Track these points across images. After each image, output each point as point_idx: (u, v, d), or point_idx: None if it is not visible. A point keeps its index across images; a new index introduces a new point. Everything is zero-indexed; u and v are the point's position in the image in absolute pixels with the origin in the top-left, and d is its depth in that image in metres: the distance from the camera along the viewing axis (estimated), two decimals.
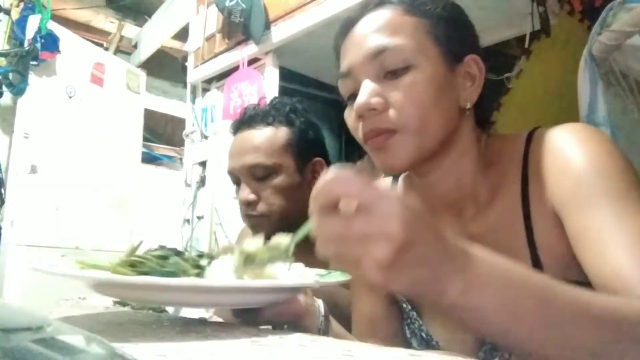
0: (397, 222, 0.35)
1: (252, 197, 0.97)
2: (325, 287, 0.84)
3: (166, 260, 0.55)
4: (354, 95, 0.60)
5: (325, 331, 0.62)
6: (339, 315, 0.71)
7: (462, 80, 0.61)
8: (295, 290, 0.58)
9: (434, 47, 0.58)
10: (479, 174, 0.63)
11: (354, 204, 0.36)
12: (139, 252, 0.60)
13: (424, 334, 0.66)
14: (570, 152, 0.54)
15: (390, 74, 0.57)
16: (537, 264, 0.55)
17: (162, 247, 0.60)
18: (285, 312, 0.56)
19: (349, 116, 0.62)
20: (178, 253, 0.58)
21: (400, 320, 0.70)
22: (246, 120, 1.01)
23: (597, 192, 0.50)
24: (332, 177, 0.37)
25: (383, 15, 0.59)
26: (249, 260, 0.52)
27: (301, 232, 0.46)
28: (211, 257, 0.56)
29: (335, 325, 0.66)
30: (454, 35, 0.60)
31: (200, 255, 0.58)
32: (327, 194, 0.37)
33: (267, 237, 0.55)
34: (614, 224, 0.48)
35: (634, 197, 0.49)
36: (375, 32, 0.59)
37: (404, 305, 0.69)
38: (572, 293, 0.40)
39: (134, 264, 0.55)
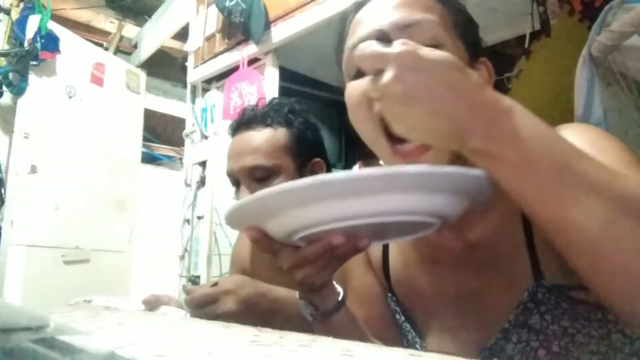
0: (397, 78, 0.41)
1: None
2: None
3: None
4: (361, 72, 0.55)
5: (338, 307, 0.60)
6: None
7: None
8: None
9: (458, 38, 0.57)
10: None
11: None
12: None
13: (418, 346, 0.65)
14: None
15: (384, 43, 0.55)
16: (536, 267, 0.55)
17: None
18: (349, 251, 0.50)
19: (354, 91, 0.55)
20: None
21: (397, 327, 0.69)
22: (245, 122, 1.01)
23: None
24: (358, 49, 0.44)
25: None
26: None
27: None
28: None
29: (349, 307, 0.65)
30: (472, 35, 0.60)
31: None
32: (362, 64, 0.44)
33: None
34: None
35: (638, 169, 0.50)
36: (402, 5, 0.55)
37: (398, 317, 0.68)
38: (594, 163, 0.42)
39: None
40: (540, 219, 0.43)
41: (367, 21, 0.57)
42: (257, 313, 0.80)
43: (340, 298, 0.60)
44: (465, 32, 0.58)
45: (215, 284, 0.82)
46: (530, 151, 0.41)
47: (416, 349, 0.65)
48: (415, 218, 0.46)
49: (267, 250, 0.51)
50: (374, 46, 0.43)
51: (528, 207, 0.44)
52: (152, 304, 0.86)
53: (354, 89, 0.56)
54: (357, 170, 0.45)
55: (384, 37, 0.54)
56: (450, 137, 0.43)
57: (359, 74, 0.56)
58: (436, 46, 0.52)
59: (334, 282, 0.60)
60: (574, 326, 0.53)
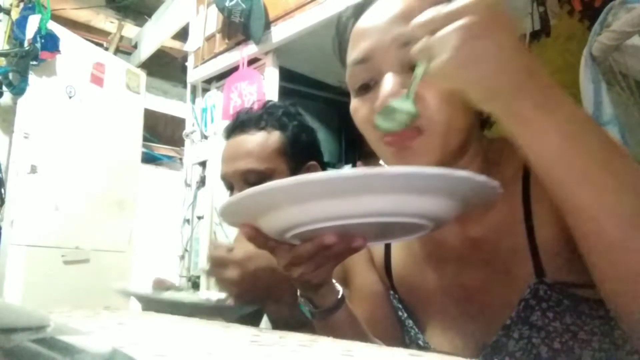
0: (471, 7, 0.40)
1: None
2: None
3: None
4: (366, 86, 0.56)
5: (337, 306, 0.60)
6: None
7: None
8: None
9: None
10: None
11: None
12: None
13: (420, 342, 0.65)
14: None
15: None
16: (538, 264, 0.55)
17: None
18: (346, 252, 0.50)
19: (360, 108, 0.57)
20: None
21: (400, 325, 0.70)
22: (239, 125, 1.00)
23: None
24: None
25: (413, 1, 0.54)
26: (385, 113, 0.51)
27: (418, 73, 0.46)
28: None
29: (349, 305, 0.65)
30: None
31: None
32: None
33: None
34: None
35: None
36: (402, 17, 0.53)
37: (400, 314, 0.68)
38: (630, 159, 0.43)
39: None
40: (569, 205, 0.44)
41: (368, 37, 0.56)
42: (267, 285, 0.79)
43: (339, 296, 0.60)
44: None
45: (231, 249, 0.82)
46: (578, 132, 0.41)
47: (419, 345, 0.66)
48: (405, 220, 0.46)
49: (263, 247, 0.52)
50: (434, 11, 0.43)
51: (557, 189, 0.44)
52: (160, 285, 0.92)
53: (360, 106, 0.57)
54: (344, 169, 0.46)
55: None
56: (497, 92, 0.42)
57: (364, 88, 0.57)
58: None
59: (333, 281, 0.60)
60: (575, 323, 0.53)
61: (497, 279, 0.58)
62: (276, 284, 0.78)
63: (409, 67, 0.52)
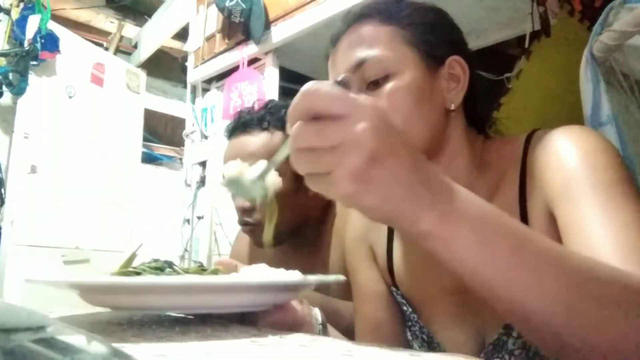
0: (370, 131, 0.35)
1: (247, 204, 0.96)
2: (324, 299, 0.85)
3: (162, 272, 0.56)
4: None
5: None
6: (336, 324, 0.70)
7: (447, 82, 0.62)
8: (296, 289, 0.58)
9: (412, 53, 0.60)
10: (473, 176, 0.63)
11: (331, 113, 0.36)
12: (135, 263, 0.61)
13: (425, 336, 0.66)
14: (563, 150, 0.54)
15: (373, 84, 0.59)
16: None
17: (155, 260, 0.60)
18: (282, 321, 0.55)
19: None
20: (170, 265, 0.59)
21: (403, 323, 0.70)
22: (241, 125, 1.00)
23: (585, 186, 0.50)
24: (310, 88, 0.37)
25: (362, 28, 0.61)
26: (233, 184, 0.52)
27: (281, 152, 0.43)
28: (204, 270, 0.58)
29: (333, 333, 0.66)
30: (432, 39, 0.61)
31: (203, 269, 0.59)
32: (304, 104, 0.37)
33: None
34: (598, 216, 0.48)
35: (623, 191, 0.50)
36: (355, 45, 0.61)
37: (405, 308, 0.69)
38: (548, 242, 0.40)
39: (130, 276, 0.55)
40: (500, 303, 0.41)
41: (335, 67, 0.63)
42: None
43: (319, 330, 0.61)
44: (422, 42, 0.61)
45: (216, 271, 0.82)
46: (486, 233, 0.38)
47: (423, 339, 0.66)
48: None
49: None
50: (335, 87, 0.38)
51: (485, 291, 0.40)
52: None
53: None
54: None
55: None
56: (398, 214, 0.38)
57: None
58: (387, 77, 0.58)
59: (312, 314, 0.61)
60: None
61: None
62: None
63: (366, 85, 0.59)
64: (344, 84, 0.60)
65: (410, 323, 0.69)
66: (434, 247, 0.39)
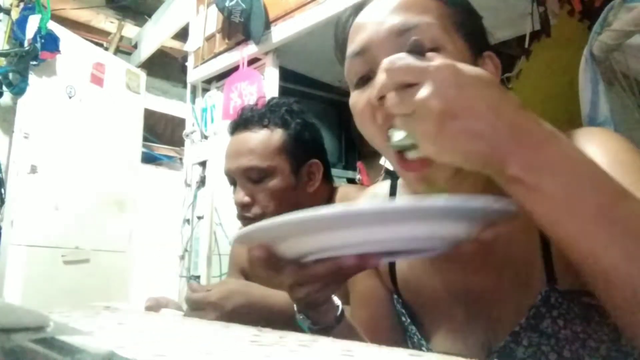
0: (436, 93, 0.38)
1: (246, 199, 0.97)
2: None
3: None
4: (365, 78, 0.55)
5: (337, 321, 0.60)
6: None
7: None
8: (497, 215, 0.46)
9: (459, 36, 0.55)
10: (490, 183, 0.61)
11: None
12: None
13: (424, 348, 0.64)
14: (593, 153, 0.51)
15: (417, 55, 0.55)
16: (550, 271, 0.54)
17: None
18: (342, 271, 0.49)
19: (359, 101, 0.55)
20: None
21: (400, 331, 0.68)
22: (242, 122, 1.02)
23: (627, 184, 0.49)
24: (386, 65, 0.42)
25: None
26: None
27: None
28: None
29: (348, 317, 0.65)
30: (475, 29, 0.58)
31: None
32: (387, 80, 0.42)
33: None
34: None
35: None
36: (399, 8, 0.54)
37: (403, 319, 0.67)
38: (637, 204, 0.40)
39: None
40: (577, 257, 0.41)
41: (365, 30, 0.56)
42: (248, 321, 0.80)
43: (338, 312, 0.59)
44: (467, 28, 0.56)
45: (209, 290, 0.81)
46: (574, 185, 0.38)
47: (422, 351, 0.65)
48: (421, 245, 0.45)
49: (272, 268, 0.49)
50: (407, 59, 0.41)
51: (564, 244, 0.41)
52: (153, 309, 0.87)
53: (358, 98, 0.56)
54: (360, 202, 0.47)
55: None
56: (486, 162, 0.40)
57: (362, 82, 0.56)
58: (435, 49, 0.51)
59: (333, 296, 0.59)
60: (585, 331, 0.52)
61: (507, 284, 0.57)
62: (253, 320, 0.79)
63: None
64: (416, 48, 0.54)
65: (408, 334, 0.67)
66: (518, 195, 0.40)
